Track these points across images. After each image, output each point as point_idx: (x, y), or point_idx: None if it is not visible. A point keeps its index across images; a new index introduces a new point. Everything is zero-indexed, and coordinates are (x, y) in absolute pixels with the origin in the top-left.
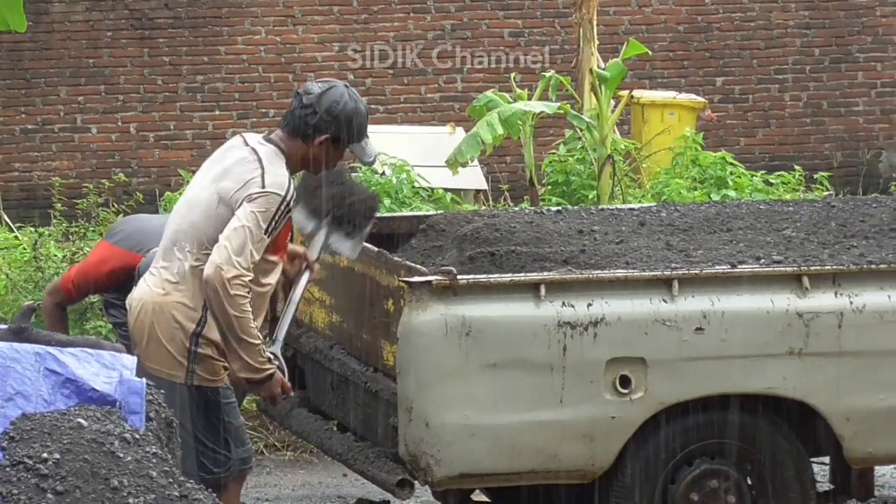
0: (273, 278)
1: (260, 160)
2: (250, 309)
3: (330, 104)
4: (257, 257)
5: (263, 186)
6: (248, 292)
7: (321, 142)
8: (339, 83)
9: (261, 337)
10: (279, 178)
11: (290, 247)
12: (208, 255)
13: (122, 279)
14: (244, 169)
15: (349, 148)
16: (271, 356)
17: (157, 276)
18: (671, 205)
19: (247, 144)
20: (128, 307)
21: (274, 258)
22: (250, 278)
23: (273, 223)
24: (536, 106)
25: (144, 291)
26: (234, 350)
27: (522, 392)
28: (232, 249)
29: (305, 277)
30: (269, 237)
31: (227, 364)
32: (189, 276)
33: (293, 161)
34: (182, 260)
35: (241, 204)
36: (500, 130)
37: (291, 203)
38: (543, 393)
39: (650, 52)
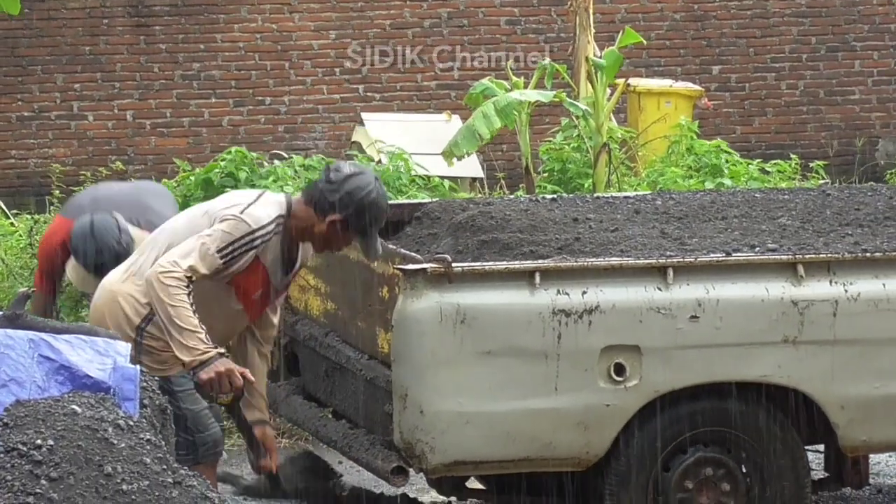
0: (230, 322)
1: (259, 197)
2: (188, 301)
3: (354, 188)
4: (203, 270)
5: (241, 213)
6: (186, 286)
7: (332, 221)
8: (371, 172)
9: (201, 327)
10: (259, 213)
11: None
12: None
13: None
14: (239, 197)
15: (357, 239)
16: (215, 345)
17: (127, 262)
18: (666, 193)
19: (266, 189)
20: None
21: (237, 305)
22: (187, 276)
23: (231, 248)
24: (532, 95)
25: (109, 276)
26: (173, 338)
27: (517, 380)
28: (177, 253)
29: None
30: (222, 261)
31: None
32: (147, 270)
33: (298, 227)
34: (150, 254)
35: (213, 222)
36: (498, 123)
37: (259, 241)
38: (538, 381)
39: (645, 42)
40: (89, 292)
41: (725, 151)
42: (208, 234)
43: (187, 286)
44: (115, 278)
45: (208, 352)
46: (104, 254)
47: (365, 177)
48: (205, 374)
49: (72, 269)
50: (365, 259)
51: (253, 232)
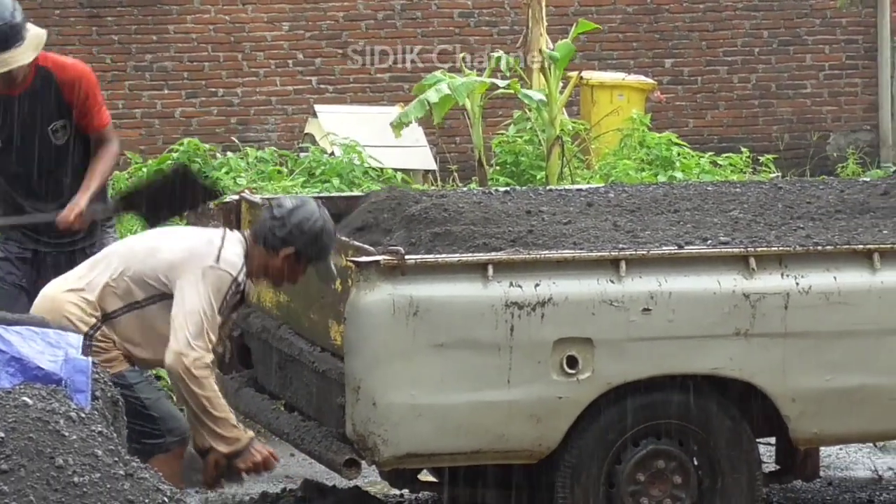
0: None
1: (222, 238)
2: (216, 387)
3: (301, 220)
4: (215, 338)
5: (217, 261)
6: (212, 371)
7: (286, 255)
8: (311, 200)
9: (230, 410)
10: (233, 257)
11: None
12: (124, 283)
13: None
14: (204, 240)
15: (312, 265)
16: (242, 426)
17: (73, 275)
18: (619, 186)
19: (217, 228)
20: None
21: None
22: (212, 359)
23: (223, 302)
24: (486, 79)
25: (53, 285)
26: (210, 429)
27: (470, 372)
28: (190, 334)
29: None
30: (220, 318)
31: (126, 353)
32: (98, 289)
33: (252, 265)
34: (101, 273)
35: (190, 273)
36: (447, 92)
37: (242, 285)
38: (491, 373)
39: (601, 28)
40: None
41: (676, 144)
42: (203, 301)
43: (212, 371)
44: (60, 286)
45: (241, 438)
46: None
47: (308, 206)
48: (243, 465)
49: None
50: (322, 281)
51: (236, 279)
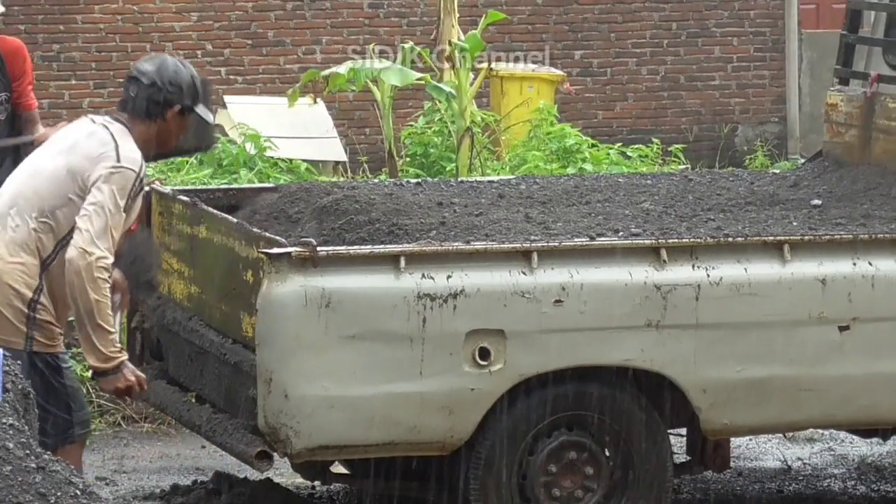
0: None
1: (112, 135)
2: (109, 295)
3: (170, 76)
4: (117, 237)
5: (118, 161)
6: (110, 277)
7: (173, 115)
8: (164, 55)
9: (115, 326)
10: (132, 153)
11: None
12: (47, 224)
13: None
14: (96, 142)
15: (196, 112)
16: (122, 346)
17: None
18: (530, 177)
19: (94, 122)
20: None
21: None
22: (112, 262)
23: (129, 200)
24: (395, 74)
25: None
26: (87, 336)
27: (382, 364)
28: (94, 233)
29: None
30: (125, 215)
31: (62, 329)
32: (27, 243)
33: (140, 144)
34: (20, 226)
35: (95, 181)
36: (343, 72)
37: (144, 180)
38: (403, 365)
39: (510, 19)
40: None
41: (575, 135)
42: (108, 201)
43: (110, 276)
44: None
45: (114, 359)
46: None
47: (167, 61)
48: (110, 385)
49: None
50: (207, 127)
51: (138, 174)
